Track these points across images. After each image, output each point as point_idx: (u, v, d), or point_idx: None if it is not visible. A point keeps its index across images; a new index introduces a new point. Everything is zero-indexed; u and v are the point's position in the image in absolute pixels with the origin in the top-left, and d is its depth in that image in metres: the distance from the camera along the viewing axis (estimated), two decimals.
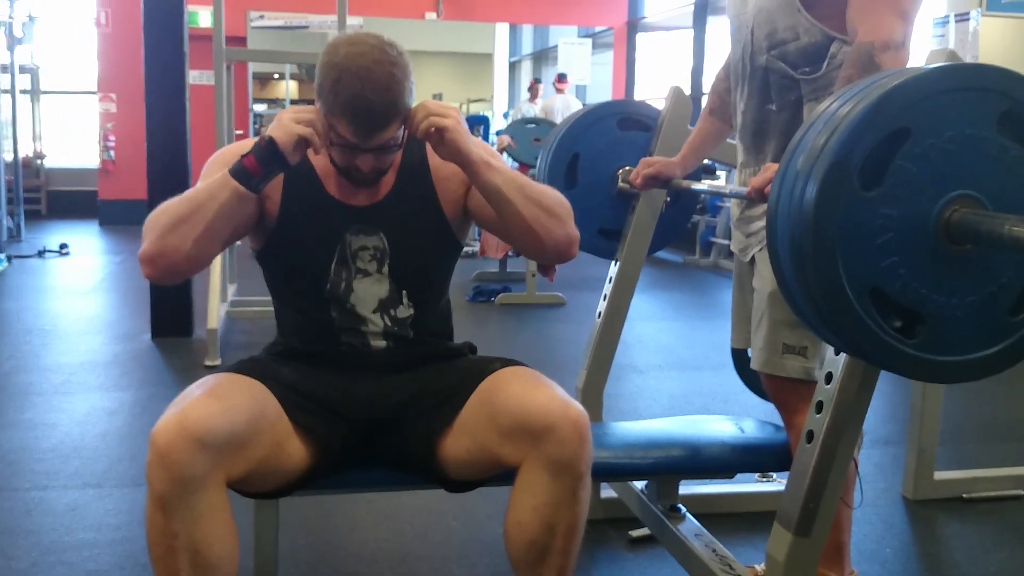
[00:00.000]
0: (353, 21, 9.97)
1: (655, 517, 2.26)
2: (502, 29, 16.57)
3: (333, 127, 1.64)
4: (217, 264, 4.76)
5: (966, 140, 1.24)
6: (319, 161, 1.76)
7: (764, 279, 1.96)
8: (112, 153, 10.62)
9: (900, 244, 1.24)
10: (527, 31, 17.32)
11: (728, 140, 2.28)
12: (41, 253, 7.97)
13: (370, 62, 1.58)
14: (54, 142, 12.61)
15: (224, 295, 5.13)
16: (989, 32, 6.22)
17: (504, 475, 1.67)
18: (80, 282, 6.92)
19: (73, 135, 12.81)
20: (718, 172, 7.48)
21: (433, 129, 1.62)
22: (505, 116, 14.89)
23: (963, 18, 6.20)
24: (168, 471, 1.45)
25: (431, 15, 11.70)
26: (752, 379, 2.24)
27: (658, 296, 6.62)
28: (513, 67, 18.22)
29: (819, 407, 1.56)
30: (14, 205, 9.26)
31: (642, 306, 5.87)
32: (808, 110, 1.85)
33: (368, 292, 1.77)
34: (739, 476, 2.36)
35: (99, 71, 10.67)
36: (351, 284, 1.76)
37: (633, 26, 12.26)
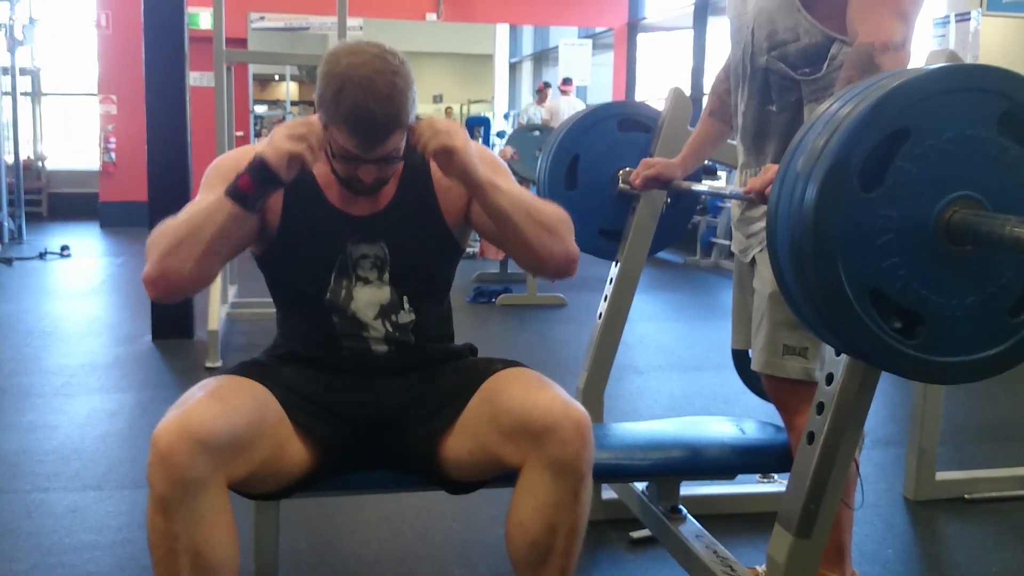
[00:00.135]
0: (353, 22, 9.98)
1: (656, 518, 2.26)
2: (502, 30, 16.57)
3: (335, 138, 1.62)
4: None
5: (966, 141, 1.24)
6: (320, 169, 1.74)
7: (764, 280, 1.95)
8: (113, 155, 10.62)
9: (900, 245, 1.24)
10: (527, 32, 17.33)
11: (728, 141, 2.27)
12: (42, 255, 7.98)
13: (372, 72, 1.56)
14: (55, 144, 12.63)
15: (225, 297, 5.13)
16: (989, 32, 6.22)
17: (505, 476, 1.67)
18: (81, 284, 6.92)
19: (74, 137, 12.84)
20: (719, 173, 7.48)
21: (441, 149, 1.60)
22: (506, 117, 14.90)
23: (963, 18, 6.20)
24: (169, 473, 1.45)
25: (431, 16, 11.71)
26: (753, 380, 2.24)
27: (659, 297, 6.62)
28: (513, 68, 18.23)
29: (820, 408, 1.56)
30: (15, 207, 9.27)
31: (643, 307, 5.86)
32: (808, 111, 1.85)
33: (369, 299, 1.76)
34: (740, 477, 2.36)
35: (99, 73, 10.68)
36: (351, 292, 1.75)
37: (633, 27, 12.26)
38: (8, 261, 7.62)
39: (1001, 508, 2.78)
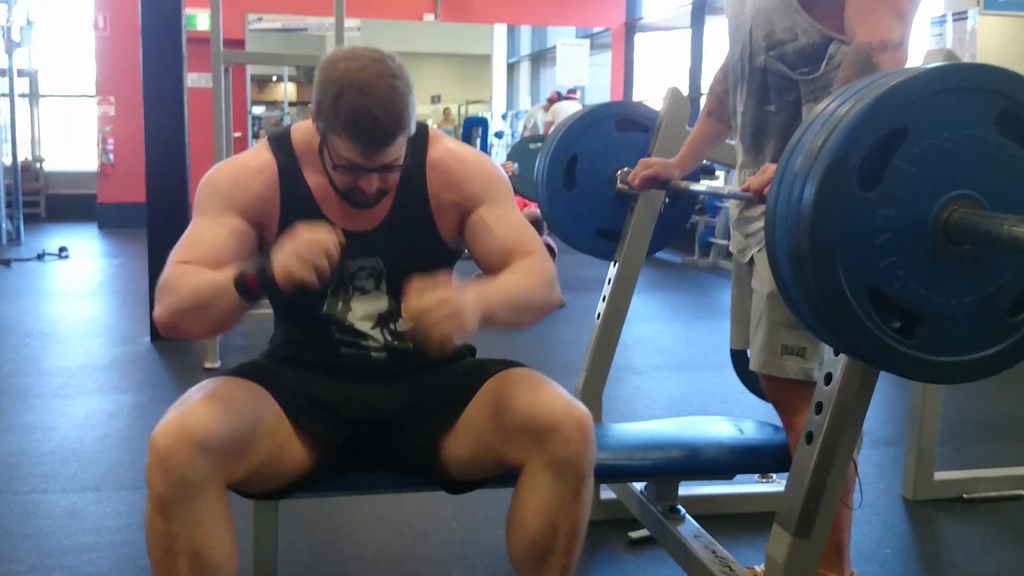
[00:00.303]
0: (351, 23, 9.98)
1: (654, 518, 2.26)
2: (500, 30, 16.57)
3: (335, 147, 1.58)
4: None
5: (964, 140, 1.24)
6: (316, 181, 1.71)
7: (763, 280, 1.95)
8: (111, 156, 10.62)
9: (899, 244, 1.24)
10: (525, 32, 17.32)
11: (727, 141, 2.27)
12: (40, 256, 7.97)
13: (372, 75, 1.53)
14: (53, 146, 12.61)
15: None
16: (987, 31, 6.22)
17: (504, 476, 1.67)
18: (79, 285, 6.91)
19: (72, 138, 12.82)
20: (717, 173, 7.48)
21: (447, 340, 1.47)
22: (504, 117, 14.92)
23: (961, 17, 6.20)
24: (168, 474, 1.45)
25: (429, 16, 11.70)
26: (751, 380, 2.24)
27: (657, 297, 6.62)
28: (511, 68, 18.23)
29: (818, 408, 1.56)
30: (13, 208, 9.26)
31: (641, 307, 5.86)
32: (807, 111, 1.85)
33: (366, 310, 1.75)
34: (738, 477, 2.36)
35: (97, 74, 10.67)
36: (348, 303, 1.75)
37: (631, 27, 12.26)
38: (6, 262, 7.62)
39: (1000, 508, 2.78)
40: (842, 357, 1.52)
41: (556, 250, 6.18)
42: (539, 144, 7.46)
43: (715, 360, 4.53)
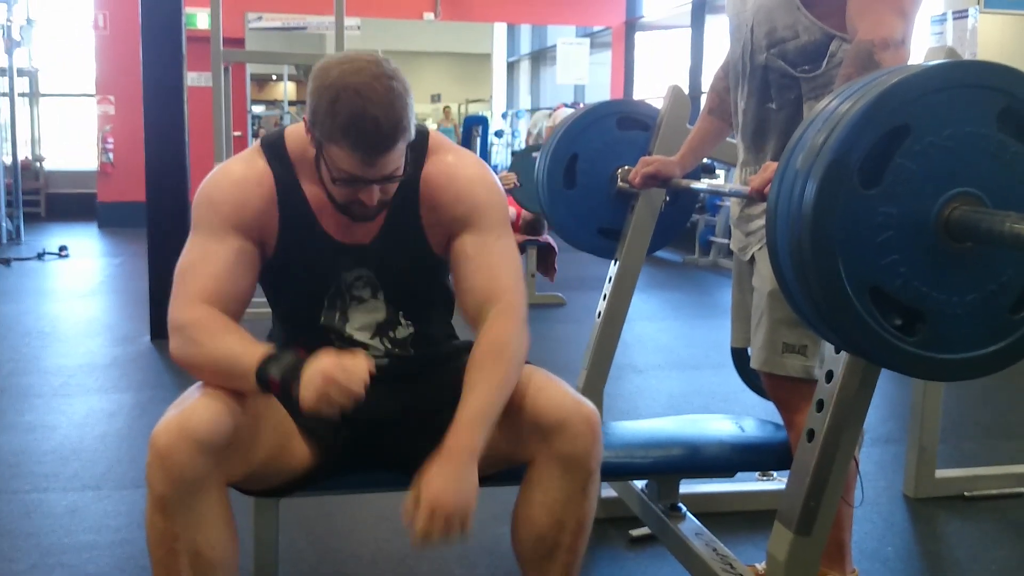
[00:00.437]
0: (351, 21, 9.98)
1: (655, 516, 2.26)
2: (500, 29, 16.56)
3: (332, 159, 1.51)
4: None
5: (966, 137, 1.23)
6: (312, 191, 1.65)
7: (764, 278, 1.95)
8: (111, 155, 10.62)
9: (900, 242, 1.24)
10: (525, 31, 17.32)
11: (728, 139, 2.27)
12: (40, 255, 7.97)
13: (368, 78, 1.47)
14: (53, 145, 12.61)
15: None
16: (987, 29, 6.22)
17: (505, 475, 1.67)
18: (79, 284, 6.91)
19: (72, 138, 12.82)
20: (717, 171, 7.48)
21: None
22: (504, 116, 14.91)
23: (961, 15, 6.20)
24: (168, 473, 1.44)
25: (429, 15, 11.69)
26: (752, 378, 2.24)
27: (658, 295, 6.62)
28: (511, 67, 18.22)
29: (819, 405, 1.55)
30: (13, 208, 9.26)
31: (642, 306, 5.86)
32: (808, 108, 1.85)
33: (364, 320, 1.73)
34: (739, 475, 2.36)
35: (97, 74, 10.67)
36: (346, 314, 1.73)
37: (631, 25, 12.26)
38: (6, 262, 7.62)
39: (1001, 505, 2.78)
40: (843, 355, 1.51)
41: (556, 248, 6.19)
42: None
43: (716, 358, 4.53)
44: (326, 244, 1.68)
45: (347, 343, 1.73)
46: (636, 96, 11.85)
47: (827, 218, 1.22)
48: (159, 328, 4.85)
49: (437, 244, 1.72)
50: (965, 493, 2.81)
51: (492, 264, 1.67)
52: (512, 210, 6.03)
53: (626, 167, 2.46)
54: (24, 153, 11.28)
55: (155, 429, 1.47)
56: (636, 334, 5.15)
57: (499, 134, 13.89)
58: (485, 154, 9.16)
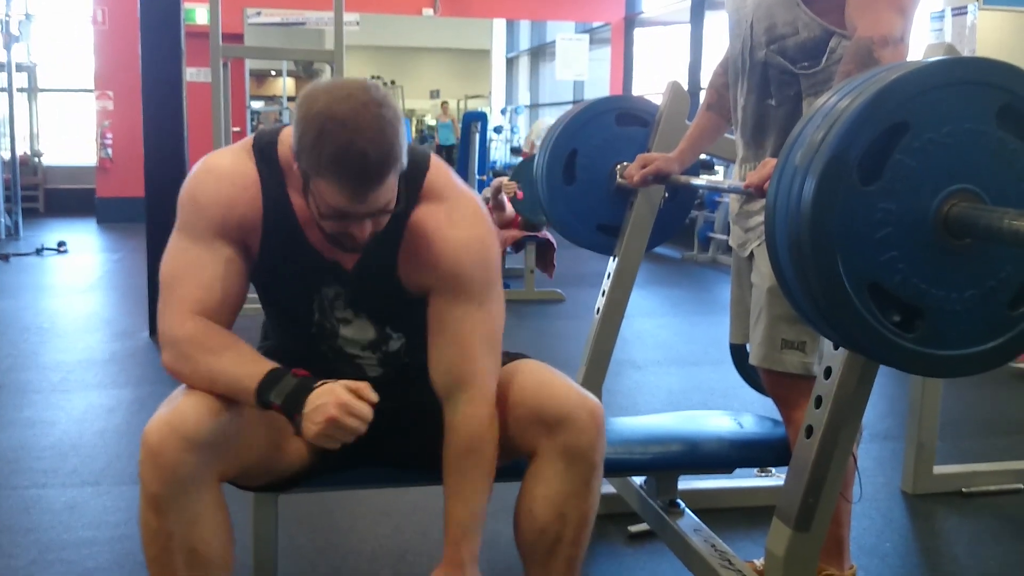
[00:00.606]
0: (350, 17, 9.96)
1: (654, 512, 2.26)
2: (499, 25, 16.57)
3: (320, 193, 1.42)
4: None
5: (965, 134, 1.23)
6: (301, 204, 1.56)
7: (762, 274, 1.95)
8: (110, 151, 10.60)
9: (899, 239, 1.24)
10: (524, 27, 17.31)
11: (727, 135, 2.27)
12: (39, 251, 7.96)
13: (356, 106, 1.37)
14: (52, 140, 12.60)
15: None
16: (986, 26, 6.21)
17: (505, 471, 1.67)
18: (78, 280, 6.91)
19: (70, 133, 12.81)
20: (716, 168, 7.48)
21: None
22: (503, 112, 14.89)
23: (960, 12, 6.19)
24: (160, 471, 1.44)
25: (428, 11, 11.68)
26: (751, 374, 2.24)
27: (657, 292, 6.62)
28: (510, 63, 18.22)
29: (818, 402, 1.56)
30: (12, 203, 9.25)
31: (641, 302, 5.87)
32: (807, 105, 1.85)
33: (354, 335, 1.70)
34: (738, 471, 2.36)
35: (96, 69, 10.65)
36: (336, 330, 1.69)
37: (631, 21, 12.25)
38: (5, 257, 7.61)
39: (998, 501, 2.78)
40: (842, 351, 1.52)
41: (555, 244, 6.19)
42: None
43: (715, 355, 4.53)
44: (310, 257, 1.61)
45: (338, 354, 1.71)
46: (635, 92, 11.85)
47: (826, 214, 1.22)
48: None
49: (412, 286, 1.65)
50: (963, 489, 2.82)
51: (466, 342, 1.61)
52: (511, 209, 6.02)
53: (625, 163, 2.46)
54: (23, 148, 11.27)
55: (147, 427, 1.46)
56: (635, 330, 5.16)
57: (498, 130, 13.87)
58: (484, 150, 9.13)
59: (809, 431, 1.57)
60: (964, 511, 2.73)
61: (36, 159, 11.92)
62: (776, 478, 2.69)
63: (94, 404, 3.69)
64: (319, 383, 1.50)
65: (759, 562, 2.13)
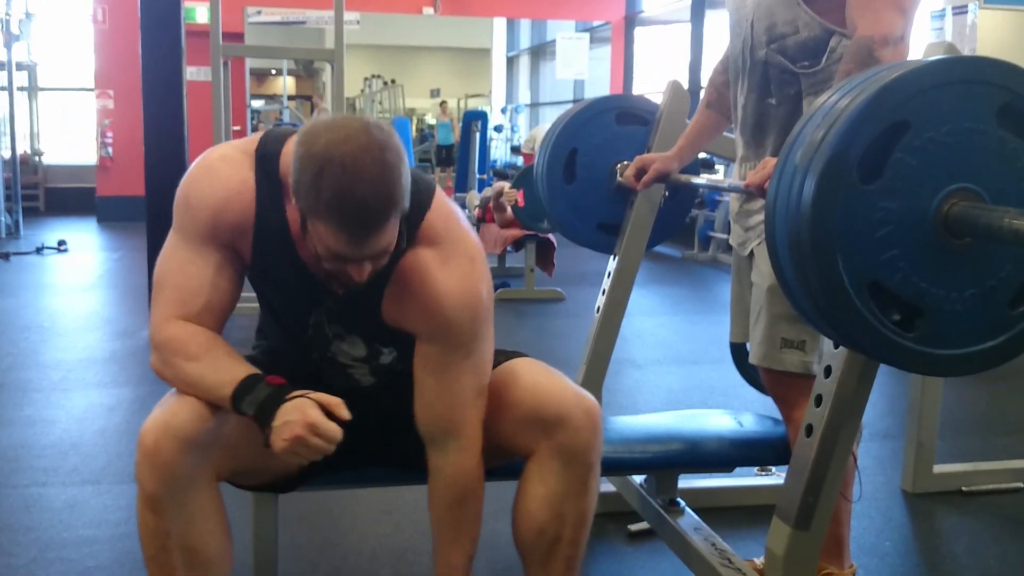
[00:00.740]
0: (350, 16, 9.96)
1: (654, 511, 2.26)
2: (500, 24, 16.56)
3: (318, 234, 1.36)
4: None
5: (965, 133, 1.23)
6: (296, 217, 1.48)
7: (763, 273, 1.95)
8: (110, 150, 10.60)
9: (899, 238, 1.24)
10: (525, 26, 17.30)
11: (726, 134, 2.27)
12: (39, 250, 7.96)
13: (357, 149, 1.31)
14: (52, 139, 12.59)
15: None
16: (987, 25, 6.21)
17: (503, 470, 1.67)
18: (78, 279, 6.91)
19: (71, 132, 12.81)
20: (716, 166, 7.48)
21: None
22: (503, 111, 14.89)
23: (961, 11, 6.19)
24: (157, 471, 1.44)
25: (428, 10, 11.68)
26: (751, 373, 2.24)
27: (657, 291, 6.62)
28: (511, 62, 18.21)
29: (818, 401, 1.56)
30: (12, 202, 9.25)
31: (641, 301, 5.86)
32: (807, 104, 1.85)
33: (347, 350, 1.68)
34: (738, 470, 2.36)
35: (96, 68, 10.65)
36: (329, 340, 1.67)
37: (631, 20, 12.25)
38: (5, 256, 7.61)
39: (998, 500, 2.79)
40: (842, 350, 1.52)
41: (555, 244, 6.19)
42: None
43: (715, 354, 4.53)
44: (301, 273, 1.56)
45: (332, 364, 1.69)
46: (636, 91, 11.84)
47: (826, 214, 1.22)
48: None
49: (395, 325, 1.62)
50: (963, 488, 2.82)
51: (454, 390, 1.59)
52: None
53: (625, 162, 2.46)
54: (23, 147, 11.26)
55: (142, 428, 1.47)
56: (635, 329, 5.16)
57: (498, 129, 13.87)
58: (484, 149, 9.14)
59: (809, 430, 1.57)
60: (964, 510, 2.73)
61: (36, 158, 11.92)
62: (776, 477, 2.69)
63: (94, 403, 3.70)
64: (292, 395, 1.46)
65: (759, 561, 2.13)
